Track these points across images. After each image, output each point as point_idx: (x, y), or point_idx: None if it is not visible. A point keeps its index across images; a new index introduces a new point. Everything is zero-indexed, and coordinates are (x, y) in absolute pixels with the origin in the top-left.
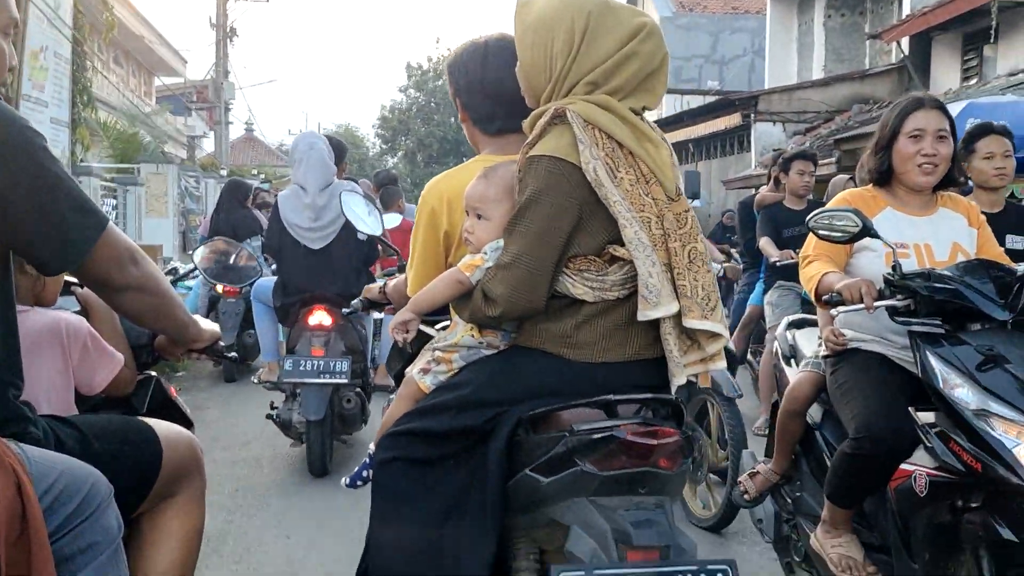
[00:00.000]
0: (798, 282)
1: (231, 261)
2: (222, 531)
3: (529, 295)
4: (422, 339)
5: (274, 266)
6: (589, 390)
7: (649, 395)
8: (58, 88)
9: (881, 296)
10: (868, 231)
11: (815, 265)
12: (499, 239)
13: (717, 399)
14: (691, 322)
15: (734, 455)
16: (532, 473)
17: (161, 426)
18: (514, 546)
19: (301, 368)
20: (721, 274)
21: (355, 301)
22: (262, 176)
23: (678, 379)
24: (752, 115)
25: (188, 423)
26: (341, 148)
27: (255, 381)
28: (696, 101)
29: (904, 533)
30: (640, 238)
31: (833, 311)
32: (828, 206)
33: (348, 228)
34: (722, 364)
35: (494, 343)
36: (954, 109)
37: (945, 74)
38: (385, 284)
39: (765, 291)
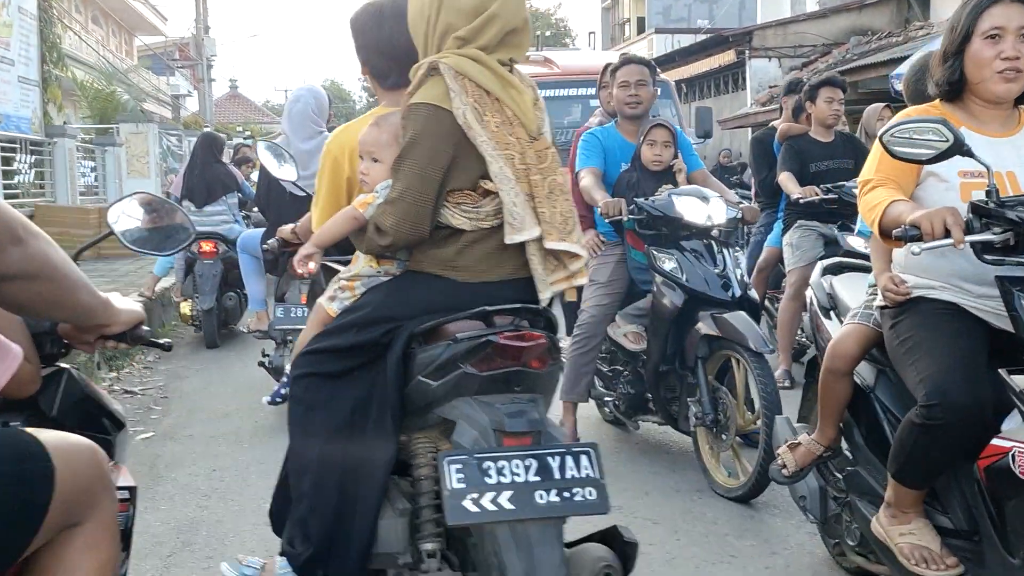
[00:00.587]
0: (821, 221)
1: (157, 222)
2: (195, 520)
3: (414, 225)
4: (332, 275)
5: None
6: (471, 305)
7: (519, 305)
8: (25, 45)
9: (969, 230)
10: (960, 147)
11: (879, 192)
12: (389, 179)
13: (744, 354)
14: (550, 243)
15: (766, 419)
16: (423, 378)
17: (52, 438)
18: (413, 446)
19: (292, 316)
20: (739, 216)
21: (270, 241)
22: (247, 133)
23: (544, 294)
24: (747, 52)
25: (118, 423)
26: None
27: (244, 331)
28: (687, 40)
29: (998, 521)
30: (504, 172)
31: (911, 249)
32: (906, 116)
33: None
34: (582, 280)
35: (390, 270)
36: None
37: (948, 2)
38: (297, 225)
39: (784, 231)
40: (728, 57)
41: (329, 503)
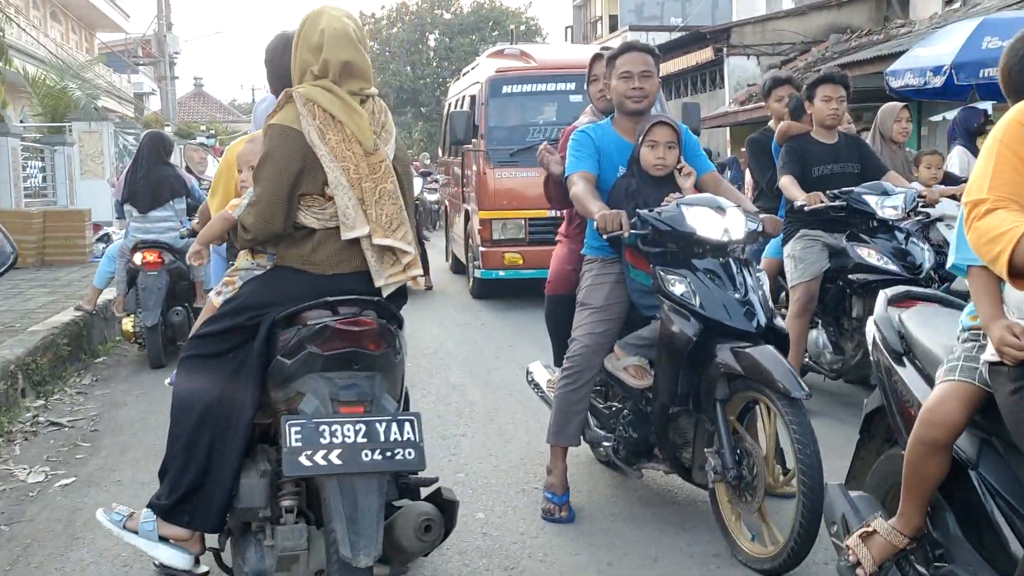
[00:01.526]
0: (826, 230)
1: None
2: None
3: (269, 223)
4: None
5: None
6: (325, 294)
7: (354, 296)
8: None
9: None
10: None
11: (1002, 217)
12: None
13: (774, 399)
14: (377, 240)
15: (805, 482)
16: (281, 357)
17: None
18: (278, 417)
19: None
20: (759, 228)
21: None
22: (211, 132)
23: (378, 282)
24: (724, 49)
25: None
26: None
27: None
28: (662, 38)
29: None
30: (340, 181)
31: None
32: None
33: None
34: (416, 271)
35: (263, 264)
36: (967, 26)
37: (926, 0)
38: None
39: (785, 241)
40: (705, 55)
41: (198, 460)
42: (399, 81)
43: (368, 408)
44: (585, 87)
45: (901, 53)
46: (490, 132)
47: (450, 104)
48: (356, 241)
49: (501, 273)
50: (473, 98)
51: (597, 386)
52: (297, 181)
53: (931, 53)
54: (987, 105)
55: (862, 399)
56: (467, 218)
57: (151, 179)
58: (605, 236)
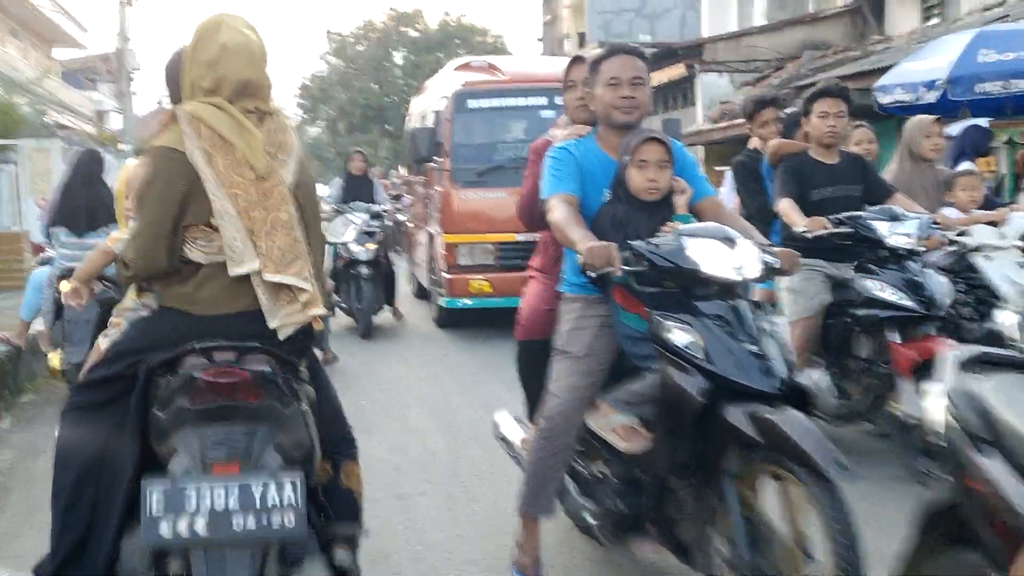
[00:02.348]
0: (827, 260)
1: None
2: None
3: (151, 258)
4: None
5: None
6: (210, 337)
7: (226, 343)
8: None
9: None
10: None
11: None
12: None
13: (803, 476)
14: (268, 275)
15: None
16: (156, 410)
17: None
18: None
19: None
20: (777, 264)
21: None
22: None
23: (272, 323)
24: (696, 66)
25: None
26: None
27: None
28: None
29: None
30: (226, 209)
31: None
32: None
33: None
34: (317, 310)
35: (148, 303)
36: (962, 39)
37: (903, 15)
38: None
39: None
40: (677, 71)
41: (78, 523)
42: (365, 99)
43: (245, 466)
44: (562, 90)
45: (885, 68)
46: (456, 149)
47: (413, 119)
48: (247, 277)
49: (467, 301)
50: (437, 113)
51: (578, 445)
52: (182, 210)
53: (923, 67)
54: (983, 122)
55: (869, 446)
56: (431, 241)
57: (87, 201)
58: (593, 274)
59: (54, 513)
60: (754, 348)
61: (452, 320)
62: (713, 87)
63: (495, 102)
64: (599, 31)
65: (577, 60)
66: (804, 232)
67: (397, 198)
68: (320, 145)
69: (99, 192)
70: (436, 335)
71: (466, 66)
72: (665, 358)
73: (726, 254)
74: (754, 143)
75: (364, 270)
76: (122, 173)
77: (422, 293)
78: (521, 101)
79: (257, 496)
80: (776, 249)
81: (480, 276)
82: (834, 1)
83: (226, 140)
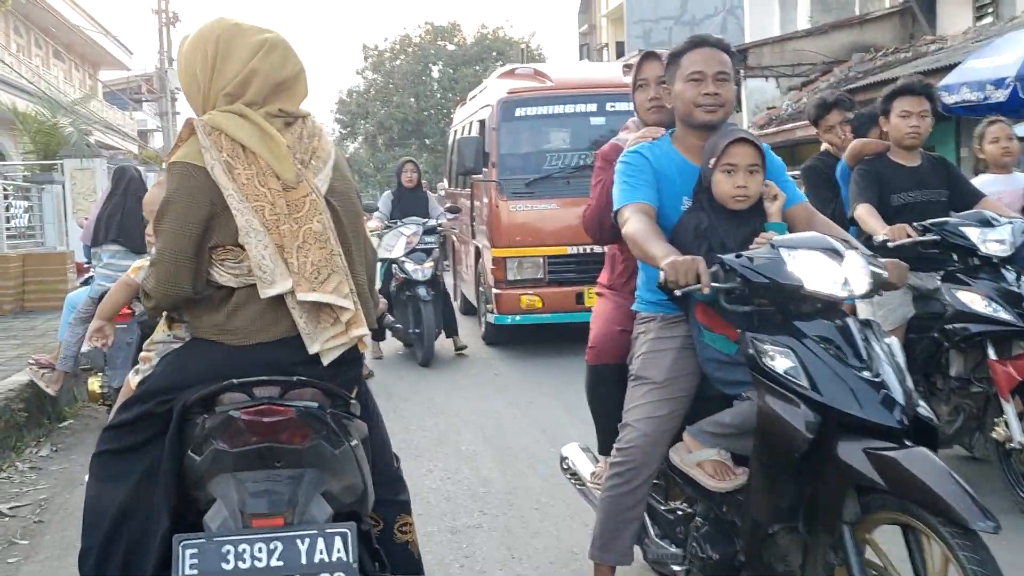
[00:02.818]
0: (911, 270)
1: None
2: None
3: (174, 285)
4: None
5: None
6: (249, 370)
7: (265, 377)
8: None
9: None
10: None
11: None
12: None
13: (939, 528)
14: (302, 295)
15: None
16: (191, 453)
17: None
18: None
19: None
20: (885, 276)
21: None
22: None
23: (312, 348)
24: (742, 71)
25: None
26: None
27: None
28: None
29: None
30: (252, 225)
31: None
32: None
33: None
34: (361, 330)
35: (180, 335)
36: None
37: (955, 15)
38: None
39: None
40: None
41: None
42: (403, 113)
43: (290, 519)
44: (631, 93)
45: (942, 69)
46: (502, 160)
47: (456, 131)
48: (282, 300)
49: (517, 318)
50: (482, 123)
51: (656, 480)
52: (206, 231)
53: (990, 65)
54: None
55: (962, 472)
56: (478, 255)
57: (125, 221)
58: (678, 292)
59: (83, 571)
60: (868, 375)
61: (501, 337)
62: (759, 92)
63: (542, 109)
64: (638, 40)
65: (650, 56)
66: (885, 241)
67: (455, 211)
68: (359, 160)
69: (138, 212)
70: (484, 353)
71: (511, 73)
72: (762, 386)
73: (831, 268)
74: (826, 146)
75: (422, 291)
76: (147, 197)
77: (468, 309)
78: (570, 108)
79: (303, 553)
80: (883, 260)
81: (530, 291)
82: (882, 2)
83: (248, 150)
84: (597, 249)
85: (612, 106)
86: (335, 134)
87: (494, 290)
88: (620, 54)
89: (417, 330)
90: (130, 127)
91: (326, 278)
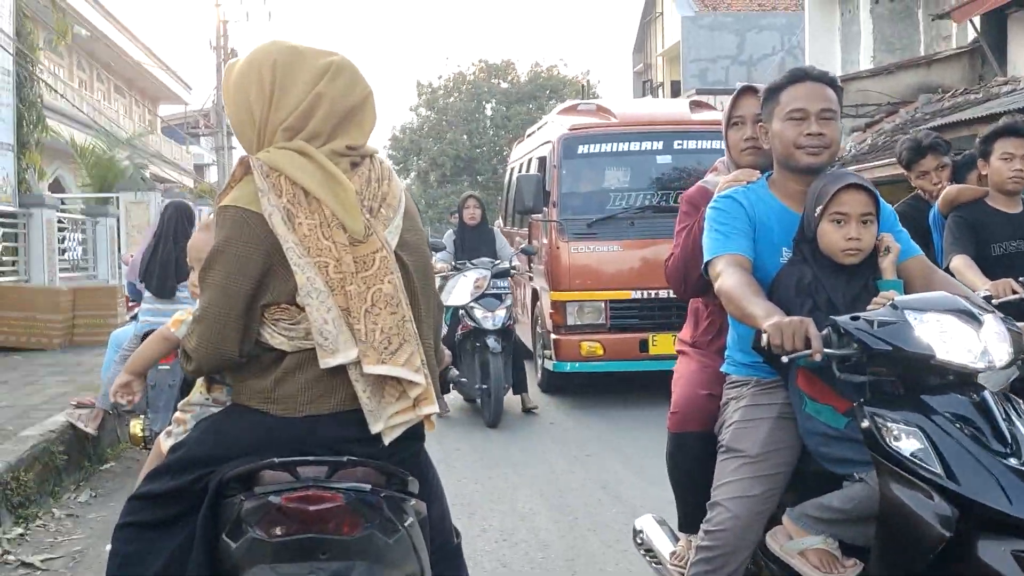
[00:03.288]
0: None
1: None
2: None
3: (218, 347)
4: None
5: None
6: (296, 445)
7: (312, 457)
8: None
9: None
10: None
11: None
12: None
13: None
14: (369, 368)
15: None
16: (226, 538)
17: None
18: None
19: None
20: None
21: None
22: None
23: (375, 427)
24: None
25: None
26: None
27: None
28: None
29: None
30: (314, 283)
31: None
32: None
33: None
34: (430, 408)
35: (220, 399)
36: None
37: None
38: None
39: None
40: None
41: None
42: (455, 150)
43: None
44: (722, 134)
45: (1019, 111)
46: (564, 199)
47: (512, 169)
48: (341, 369)
49: (577, 365)
50: (543, 160)
51: (750, 566)
52: (259, 287)
53: None
54: None
55: None
56: (535, 298)
57: (176, 255)
58: (785, 358)
59: None
60: (1015, 462)
61: (559, 384)
62: None
63: (606, 147)
64: (694, 79)
65: (747, 91)
66: (986, 296)
67: (530, 252)
68: (411, 196)
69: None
70: (541, 401)
71: (573, 109)
72: (885, 470)
73: (967, 334)
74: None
75: (492, 342)
76: (192, 241)
77: (525, 354)
78: (634, 146)
79: None
80: (1021, 324)
81: (591, 337)
82: (949, 42)
83: (311, 195)
84: (662, 294)
85: (679, 144)
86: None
87: (553, 335)
88: (676, 93)
89: (484, 385)
90: (186, 161)
91: (397, 348)
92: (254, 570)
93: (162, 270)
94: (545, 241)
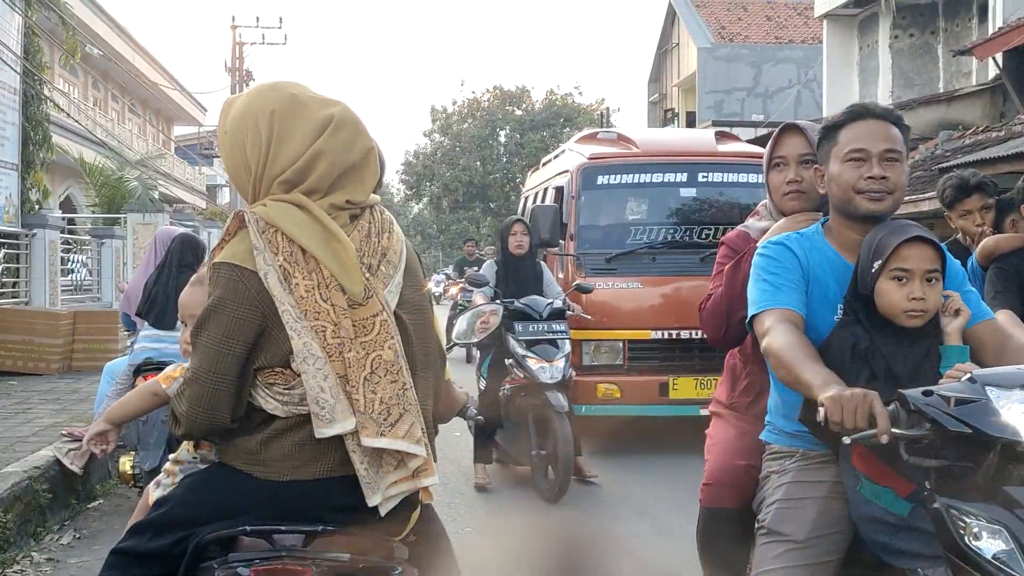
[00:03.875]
0: None
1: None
2: None
3: (210, 412)
4: None
5: None
6: (277, 510)
7: (285, 527)
8: (1, 124)
9: None
10: None
11: None
12: None
13: None
14: (368, 440)
15: None
16: None
17: None
18: None
19: None
20: None
21: None
22: None
23: (373, 500)
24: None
25: None
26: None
27: None
28: (748, 134)
29: None
30: (310, 349)
31: None
32: None
33: None
34: (429, 480)
35: (208, 457)
36: None
37: None
38: None
39: None
40: None
41: None
42: (468, 176)
43: None
44: (763, 175)
45: None
46: (581, 232)
47: (527, 198)
48: (339, 439)
49: (593, 408)
50: (559, 190)
51: None
52: (254, 350)
53: None
54: None
55: None
56: None
57: (179, 288)
58: (847, 439)
59: None
60: None
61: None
62: None
63: (627, 178)
64: (709, 111)
65: (790, 129)
66: None
67: (586, 290)
68: (423, 221)
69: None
70: None
71: (592, 137)
72: (961, 572)
73: None
74: (960, 237)
75: (554, 398)
76: (184, 296)
77: None
78: (657, 177)
79: None
80: None
81: (608, 379)
82: (969, 79)
83: (309, 254)
84: (684, 334)
85: (704, 176)
86: (400, 195)
87: None
88: (691, 124)
89: (543, 451)
90: (199, 182)
91: (397, 419)
92: None
93: (163, 299)
94: (561, 276)
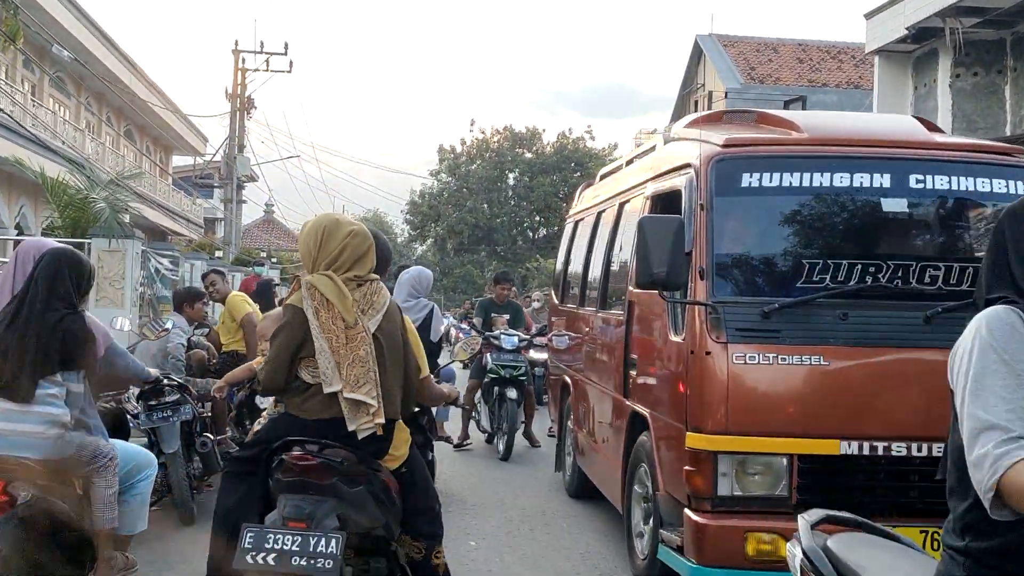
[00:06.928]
0: None
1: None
2: None
3: (274, 379)
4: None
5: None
6: (313, 434)
7: (309, 439)
8: None
9: None
10: None
11: None
12: None
13: None
14: (346, 393)
15: None
16: (270, 479)
17: None
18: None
19: None
20: None
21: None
22: (274, 260)
23: (350, 427)
24: None
25: None
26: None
27: None
28: None
29: None
30: (323, 348)
31: None
32: None
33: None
34: (380, 420)
35: (279, 409)
36: None
37: None
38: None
39: None
40: None
41: (221, 542)
42: (475, 218)
43: (309, 525)
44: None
45: None
46: (719, 266)
47: (578, 223)
48: (336, 394)
49: (735, 574)
50: (664, 200)
51: None
52: (298, 348)
53: None
54: None
55: None
56: (634, 427)
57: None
58: None
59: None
60: None
61: None
62: None
63: (792, 179)
64: None
65: None
66: None
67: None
68: (426, 262)
69: (51, 319)
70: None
71: (714, 119)
72: None
73: None
74: None
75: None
76: (261, 326)
77: (590, 493)
78: (842, 180)
79: (311, 544)
80: None
81: (765, 524)
82: None
83: (329, 301)
84: (898, 449)
85: (918, 181)
86: (404, 235)
87: (688, 512)
88: None
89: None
90: (195, 214)
91: (362, 385)
92: (280, 497)
93: (17, 352)
94: (674, 338)
